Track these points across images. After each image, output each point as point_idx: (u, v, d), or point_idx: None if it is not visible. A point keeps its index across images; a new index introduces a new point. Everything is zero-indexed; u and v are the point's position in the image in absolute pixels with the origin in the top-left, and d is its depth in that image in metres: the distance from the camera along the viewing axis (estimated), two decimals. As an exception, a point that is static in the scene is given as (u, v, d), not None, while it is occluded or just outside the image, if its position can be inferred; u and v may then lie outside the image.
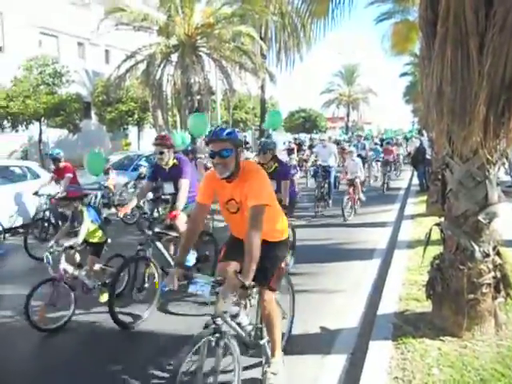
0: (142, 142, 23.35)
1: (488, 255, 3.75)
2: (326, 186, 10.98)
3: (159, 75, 18.76)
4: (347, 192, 10.00)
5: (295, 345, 3.99)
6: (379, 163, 16.02)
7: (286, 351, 3.68)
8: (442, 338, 3.76)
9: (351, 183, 10.13)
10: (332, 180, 11.31)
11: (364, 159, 14.15)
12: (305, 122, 44.17)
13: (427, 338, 3.77)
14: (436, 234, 4.27)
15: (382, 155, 15.81)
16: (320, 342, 4.12)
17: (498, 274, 3.80)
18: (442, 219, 4.12)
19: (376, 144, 19.25)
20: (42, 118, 17.66)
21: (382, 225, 9.21)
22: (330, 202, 11.05)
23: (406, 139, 30.43)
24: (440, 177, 8.69)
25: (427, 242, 4.21)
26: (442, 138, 3.64)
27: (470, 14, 3.21)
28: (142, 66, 18.70)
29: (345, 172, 10.69)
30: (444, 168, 4.02)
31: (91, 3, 26.22)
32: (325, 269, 6.32)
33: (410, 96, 40.17)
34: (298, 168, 14.77)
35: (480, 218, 3.68)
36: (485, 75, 3.21)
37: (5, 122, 17.25)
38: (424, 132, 15.46)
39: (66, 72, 18.53)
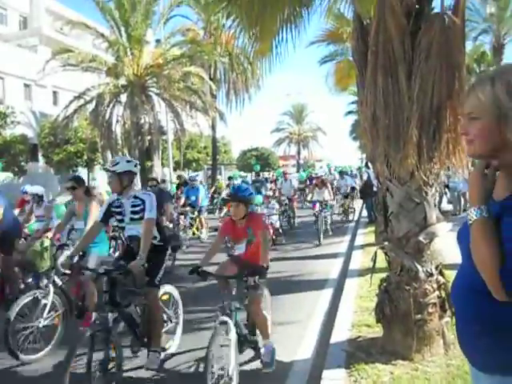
0: (92, 183, 22.68)
1: (431, 274, 3.83)
2: None
3: (108, 115, 18.60)
4: None
5: (248, 381, 3.83)
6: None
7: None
8: (393, 361, 3.73)
9: None
10: None
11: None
12: (257, 161, 44.72)
13: (379, 363, 3.73)
14: (384, 262, 4.32)
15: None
16: (274, 376, 3.98)
17: (443, 293, 3.87)
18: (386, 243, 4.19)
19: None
20: (-16, 161, 16.88)
21: (334, 256, 9.31)
22: None
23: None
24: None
25: (373, 264, 4.25)
26: (379, 161, 3.76)
27: (396, 43, 3.41)
28: (91, 107, 18.50)
29: None
30: (384, 192, 4.13)
31: (38, 45, 25.96)
32: (279, 302, 6.22)
33: (356, 133, 42.01)
34: None
35: (421, 238, 3.77)
36: (415, 100, 3.38)
37: None
38: (370, 165, 15.39)
39: (10, 113, 17.96)
